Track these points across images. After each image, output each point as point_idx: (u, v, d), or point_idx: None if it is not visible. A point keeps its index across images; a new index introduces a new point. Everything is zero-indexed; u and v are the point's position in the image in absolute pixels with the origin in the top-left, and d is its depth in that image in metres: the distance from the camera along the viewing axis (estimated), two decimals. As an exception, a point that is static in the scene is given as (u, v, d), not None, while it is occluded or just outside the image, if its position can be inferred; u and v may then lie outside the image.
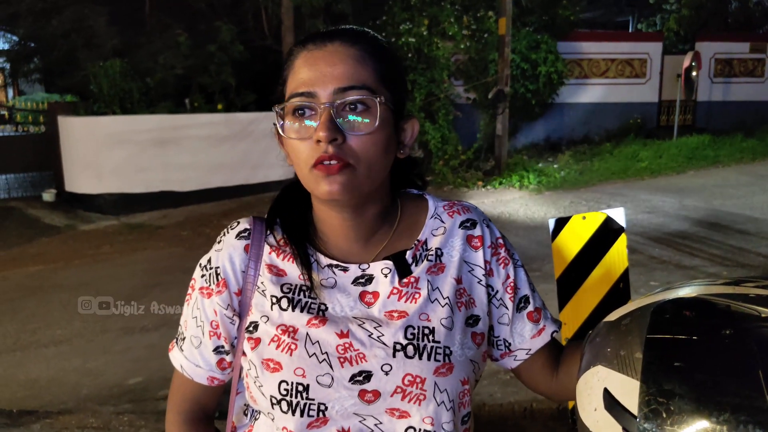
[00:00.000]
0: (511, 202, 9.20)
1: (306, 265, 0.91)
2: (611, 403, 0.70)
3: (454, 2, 11.85)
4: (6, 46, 12.20)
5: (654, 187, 9.99)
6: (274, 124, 0.95)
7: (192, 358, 0.98)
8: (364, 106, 0.84)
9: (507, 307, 0.97)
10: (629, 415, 0.66)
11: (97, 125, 9.03)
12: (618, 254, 2.33)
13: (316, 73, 0.84)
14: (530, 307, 0.99)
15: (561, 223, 2.35)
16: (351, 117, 0.83)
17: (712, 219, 7.60)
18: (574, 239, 2.35)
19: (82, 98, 10.25)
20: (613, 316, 0.80)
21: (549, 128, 13.38)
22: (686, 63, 12.73)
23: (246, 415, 1.00)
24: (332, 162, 0.83)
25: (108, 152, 8.96)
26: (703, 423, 0.60)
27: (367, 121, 0.83)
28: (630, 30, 19.54)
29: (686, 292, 0.74)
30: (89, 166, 9.07)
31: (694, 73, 12.77)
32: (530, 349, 0.99)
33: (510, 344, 0.99)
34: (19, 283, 5.97)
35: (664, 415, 0.62)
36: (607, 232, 2.34)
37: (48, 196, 9.58)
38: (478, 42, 11.87)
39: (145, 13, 10.14)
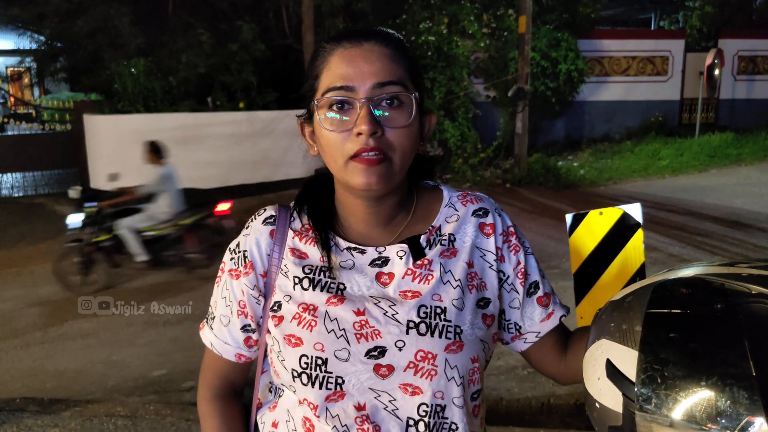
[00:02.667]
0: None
1: (326, 247, 0.98)
2: (613, 372, 0.76)
3: (473, 1, 11.85)
4: (33, 46, 12.43)
5: (675, 185, 9.92)
6: (298, 117, 1.00)
7: (221, 336, 1.05)
8: (399, 101, 0.90)
9: (518, 292, 1.02)
10: (628, 382, 0.73)
11: (122, 123, 9.19)
12: (635, 250, 2.35)
13: (354, 69, 0.89)
14: (540, 292, 1.04)
15: (578, 218, 2.38)
16: (388, 111, 0.90)
17: (734, 217, 7.54)
18: (590, 234, 2.37)
19: (107, 97, 10.41)
20: (618, 295, 0.86)
21: (569, 126, 13.34)
22: (709, 60, 12.61)
23: (271, 392, 1.06)
24: (372, 154, 0.88)
25: (132, 150, 9.07)
26: (694, 387, 0.66)
27: (403, 114, 0.90)
28: (652, 27, 19.38)
29: (686, 272, 0.80)
30: (114, 164, 9.20)
31: (716, 71, 12.64)
32: (539, 332, 1.05)
33: (520, 327, 1.05)
34: (46, 278, 6.09)
35: (659, 381, 0.68)
36: (624, 227, 2.35)
37: (73, 192, 9.69)
38: (498, 40, 11.86)
39: (168, 13, 10.28)
